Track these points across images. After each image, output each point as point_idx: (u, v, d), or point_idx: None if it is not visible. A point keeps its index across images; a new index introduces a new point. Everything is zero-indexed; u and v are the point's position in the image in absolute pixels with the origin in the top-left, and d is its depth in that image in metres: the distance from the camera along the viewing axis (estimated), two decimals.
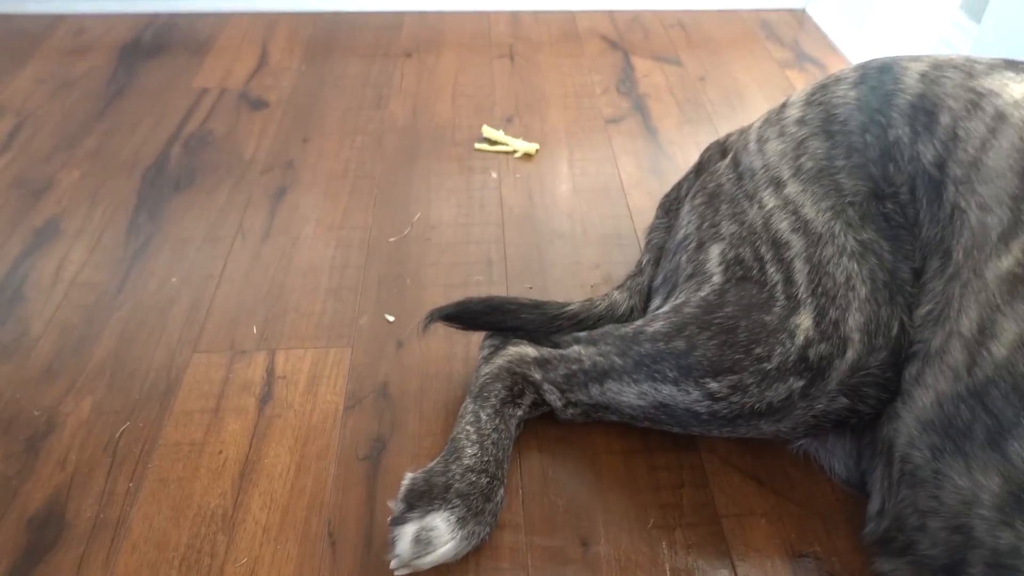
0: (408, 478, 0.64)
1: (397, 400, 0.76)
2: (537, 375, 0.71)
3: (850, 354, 0.61)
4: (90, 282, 0.89)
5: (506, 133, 1.17)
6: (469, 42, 1.46)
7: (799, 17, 1.60)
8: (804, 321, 0.61)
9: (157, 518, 0.65)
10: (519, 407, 0.71)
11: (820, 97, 0.69)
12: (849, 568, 0.64)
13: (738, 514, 0.67)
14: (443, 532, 0.60)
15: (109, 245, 0.94)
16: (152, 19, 1.50)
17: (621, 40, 1.48)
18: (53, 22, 1.47)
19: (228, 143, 1.14)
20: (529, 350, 0.73)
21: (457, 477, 0.63)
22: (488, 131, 1.15)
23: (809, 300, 0.61)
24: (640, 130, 1.20)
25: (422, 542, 0.59)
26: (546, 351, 0.73)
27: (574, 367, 0.70)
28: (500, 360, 0.73)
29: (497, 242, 0.97)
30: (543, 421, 0.74)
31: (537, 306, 0.76)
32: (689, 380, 0.63)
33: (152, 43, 1.42)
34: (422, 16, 1.55)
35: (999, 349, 0.52)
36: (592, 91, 1.30)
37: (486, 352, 0.76)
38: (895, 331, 0.61)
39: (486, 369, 0.73)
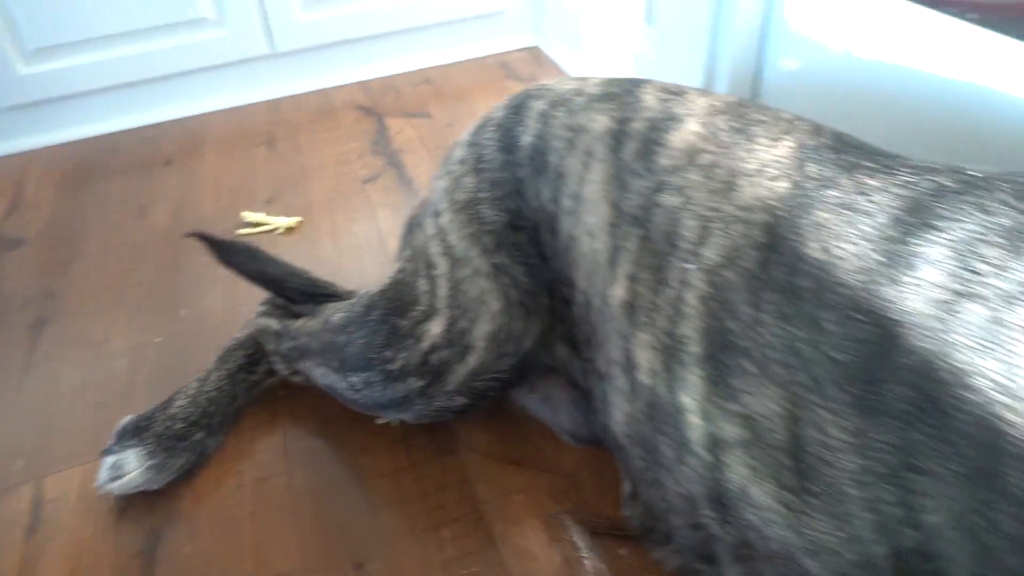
0: (124, 420, 0.79)
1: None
2: (271, 346, 0.82)
3: (472, 360, 0.67)
4: None
5: (268, 214, 1.22)
6: (230, 137, 1.51)
7: (535, 53, 1.77)
8: (434, 328, 0.67)
9: None
10: (254, 373, 0.84)
11: (475, 138, 0.73)
12: (598, 515, 0.72)
13: (496, 497, 0.74)
14: (132, 463, 0.75)
15: None
16: None
17: (375, 105, 1.58)
18: None
19: None
20: (272, 323, 0.84)
21: (159, 423, 0.78)
22: (248, 215, 1.20)
23: (445, 311, 0.67)
24: (395, 183, 1.29)
25: (115, 469, 0.75)
26: (285, 324, 0.82)
27: (292, 343, 0.79)
28: (249, 329, 0.86)
29: None
30: (311, 462, 0.78)
31: (280, 264, 0.89)
32: (342, 372, 0.73)
33: None
34: (181, 122, 1.58)
35: (644, 378, 0.55)
36: (349, 157, 1.38)
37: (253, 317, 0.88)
38: (527, 343, 0.68)
39: (237, 335, 0.86)
